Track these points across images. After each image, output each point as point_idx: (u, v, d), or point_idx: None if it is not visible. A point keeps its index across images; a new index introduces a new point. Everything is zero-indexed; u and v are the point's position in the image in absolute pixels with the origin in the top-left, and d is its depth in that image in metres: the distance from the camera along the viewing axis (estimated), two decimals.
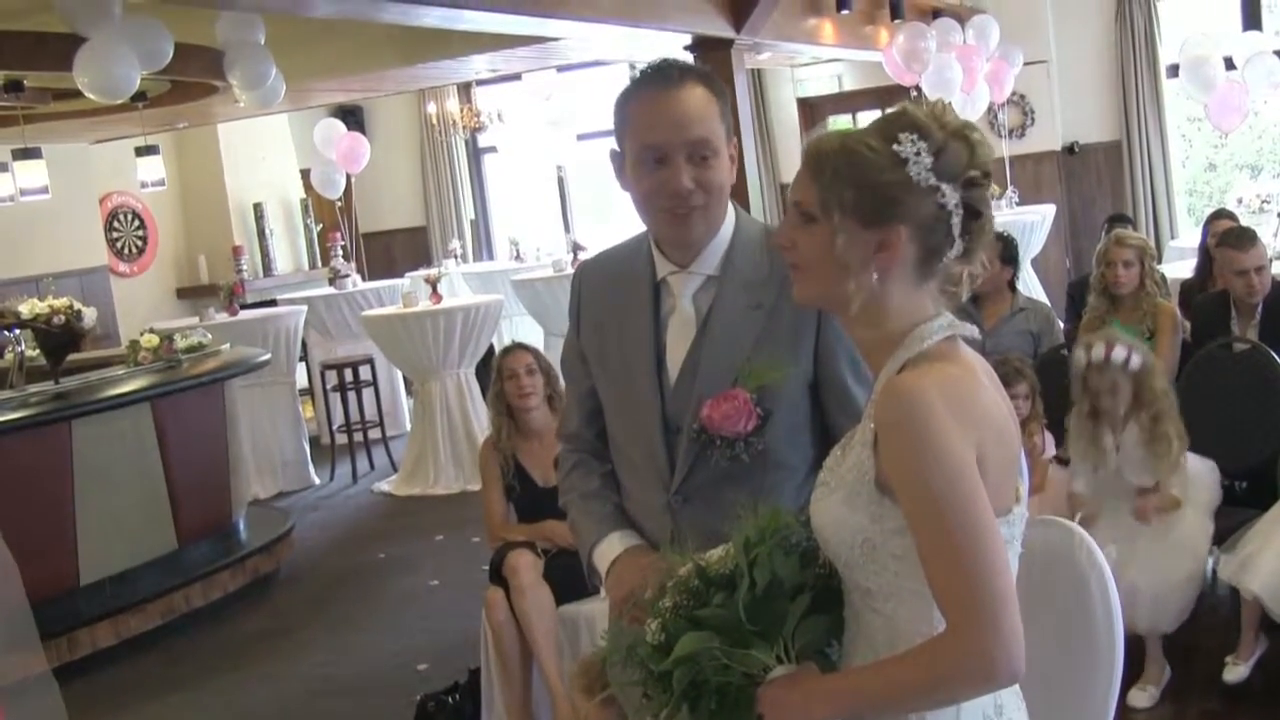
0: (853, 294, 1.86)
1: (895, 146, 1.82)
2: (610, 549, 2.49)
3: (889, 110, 1.91)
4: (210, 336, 7.48)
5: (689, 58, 7.48)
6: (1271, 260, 5.75)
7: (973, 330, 1.92)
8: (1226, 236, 5.66)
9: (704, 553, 1.97)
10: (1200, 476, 4.62)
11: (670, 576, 1.97)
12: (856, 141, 1.85)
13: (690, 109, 2.37)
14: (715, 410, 2.33)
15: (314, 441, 10.28)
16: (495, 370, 5.06)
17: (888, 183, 1.82)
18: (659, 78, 2.41)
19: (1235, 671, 4.42)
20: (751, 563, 1.87)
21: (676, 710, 1.89)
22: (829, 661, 1.93)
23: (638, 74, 2.48)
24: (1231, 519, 4.62)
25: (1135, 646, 4.25)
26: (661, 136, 2.37)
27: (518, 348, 5.12)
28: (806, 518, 1.95)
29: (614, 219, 13.16)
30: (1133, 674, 4.39)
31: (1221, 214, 7.63)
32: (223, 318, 9.58)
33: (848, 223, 1.83)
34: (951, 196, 1.84)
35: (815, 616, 1.89)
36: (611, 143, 2.50)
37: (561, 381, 4.98)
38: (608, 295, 2.57)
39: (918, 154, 1.82)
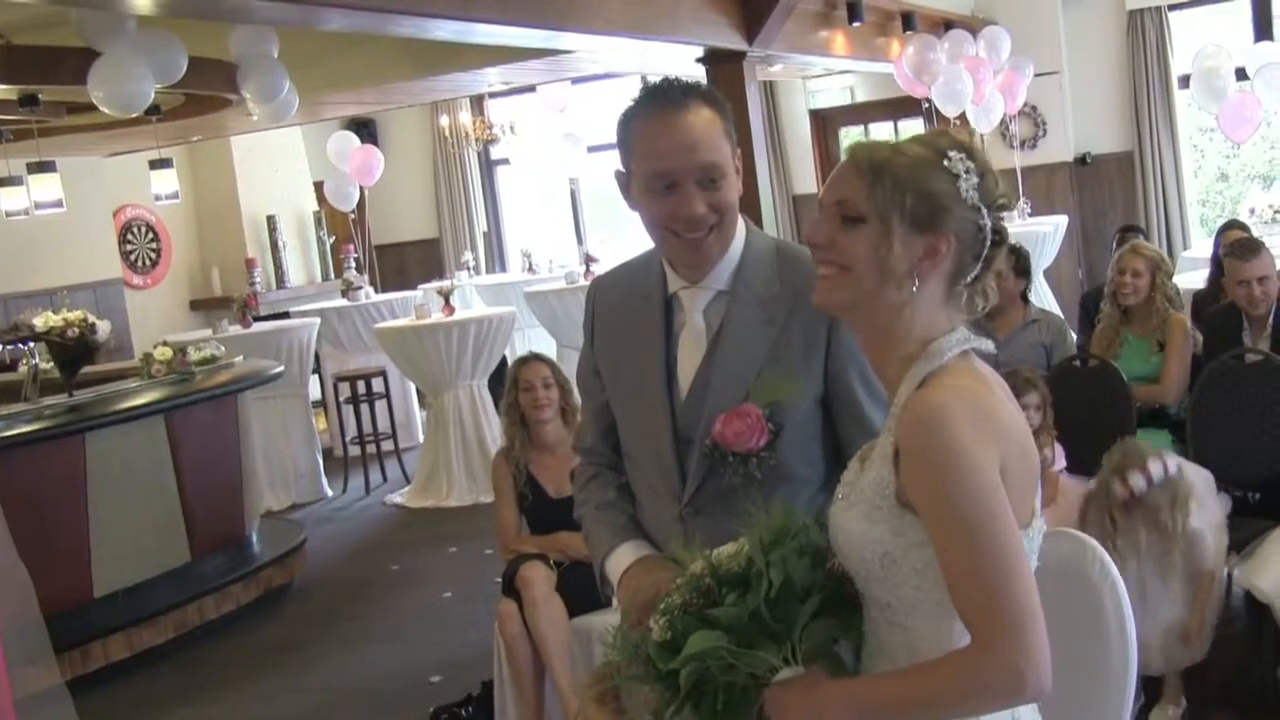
0: (889, 301, 1.88)
1: (945, 162, 1.87)
2: (623, 559, 2.50)
3: (930, 130, 1.96)
4: (223, 349, 7.49)
5: (700, 70, 7.51)
6: None
7: (988, 345, 1.94)
8: (1232, 247, 5.66)
9: (715, 550, 1.98)
10: (1205, 497, 4.56)
11: (681, 573, 1.97)
12: (912, 149, 1.90)
13: (698, 134, 2.35)
14: (728, 427, 2.34)
15: (327, 454, 10.30)
16: (510, 380, 5.04)
17: (943, 191, 1.87)
18: (663, 99, 2.38)
19: None
20: (767, 564, 1.87)
21: (681, 708, 1.90)
22: (836, 660, 1.93)
23: (639, 93, 2.46)
24: (1247, 530, 4.60)
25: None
26: (671, 164, 2.35)
27: (535, 359, 5.10)
28: (817, 520, 1.96)
29: (626, 231, 13.18)
30: (1151, 695, 4.36)
31: (1232, 224, 7.62)
32: (236, 330, 9.60)
33: (903, 227, 1.87)
34: (987, 219, 1.89)
35: (823, 618, 1.89)
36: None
37: (576, 395, 5.00)
38: (620, 310, 2.58)
39: (966, 172, 1.87)
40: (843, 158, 1.97)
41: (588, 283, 10.25)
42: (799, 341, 2.40)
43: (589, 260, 10.52)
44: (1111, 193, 11.87)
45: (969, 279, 1.92)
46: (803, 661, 1.87)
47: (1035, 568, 1.90)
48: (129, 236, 11.86)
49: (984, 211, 1.89)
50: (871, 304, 1.90)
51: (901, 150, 1.89)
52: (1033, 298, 6.32)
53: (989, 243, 1.90)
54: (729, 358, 2.41)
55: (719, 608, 1.87)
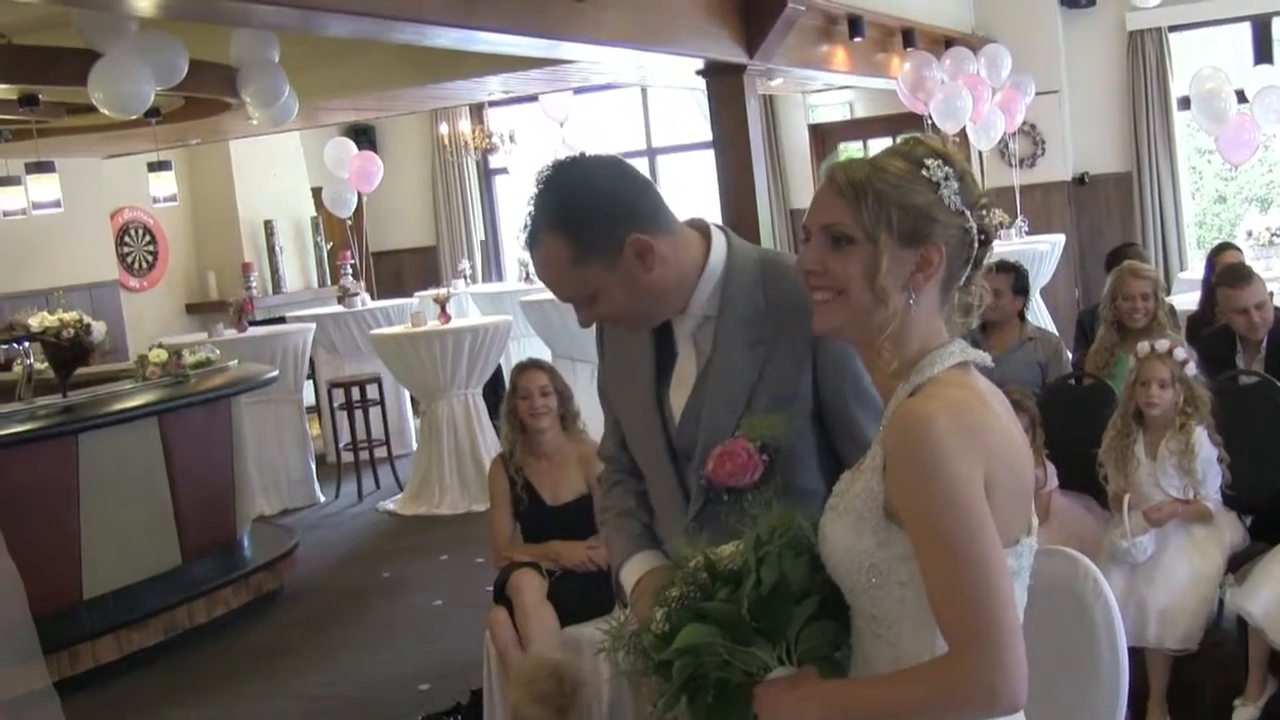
0: (888, 318, 1.88)
1: (924, 171, 1.87)
2: (636, 569, 2.52)
3: (904, 138, 1.96)
4: (218, 352, 7.48)
5: (700, 83, 7.52)
6: (1273, 294, 5.74)
7: (985, 357, 1.94)
8: (1223, 275, 5.67)
9: (716, 548, 1.99)
10: (1227, 517, 4.65)
11: (680, 568, 1.98)
12: (889, 164, 1.89)
13: (544, 274, 2.38)
14: (720, 468, 2.34)
15: (320, 459, 10.29)
16: (510, 386, 5.04)
17: (928, 203, 1.87)
18: (523, 236, 2.38)
19: (1245, 713, 4.39)
20: (759, 560, 1.88)
21: (675, 701, 1.91)
22: (835, 666, 1.93)
23: None
24: (1242, 552, 4.61)
25: (1139, 687, 4.24)
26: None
27: (533, 366, 5.06)
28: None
29: None
30: (1138, 713, 4.37)
31: (1225, 247, 7.63)
32: (231, 334, 9.58)
33: (893, 243, 1.86)
34: (972, 221, 1.89)
35: (821, 622, 1.90)
36: None
37: (574, 401, 5.00)
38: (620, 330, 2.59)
39: (946, 178, 1.87)
40: (821, 178, 1.96)
41: None
42: (788, 358, 2.38)
43: None
44: (1109, 213, 11.88)
45: (961, 282, 1.93)
46: (798, 663, 1.88)
47: (1027, 586, 1.90)
48: (126, 239, 11.84)
49: (968, 214, 1.89)
50: (869, 322, 1.90)
51: (880, 166, 1.89)
52: (1029, 316, 6.33)
53: (977, 243, 1.91)
54: (719, 383, 2.41)
55: (711, 602, 1.88)
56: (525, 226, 2.36)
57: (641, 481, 2.65)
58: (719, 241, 2.46)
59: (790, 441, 2.35)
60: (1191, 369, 4.64)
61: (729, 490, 2.34)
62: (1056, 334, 6.80)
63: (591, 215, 2.30)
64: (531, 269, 12.45)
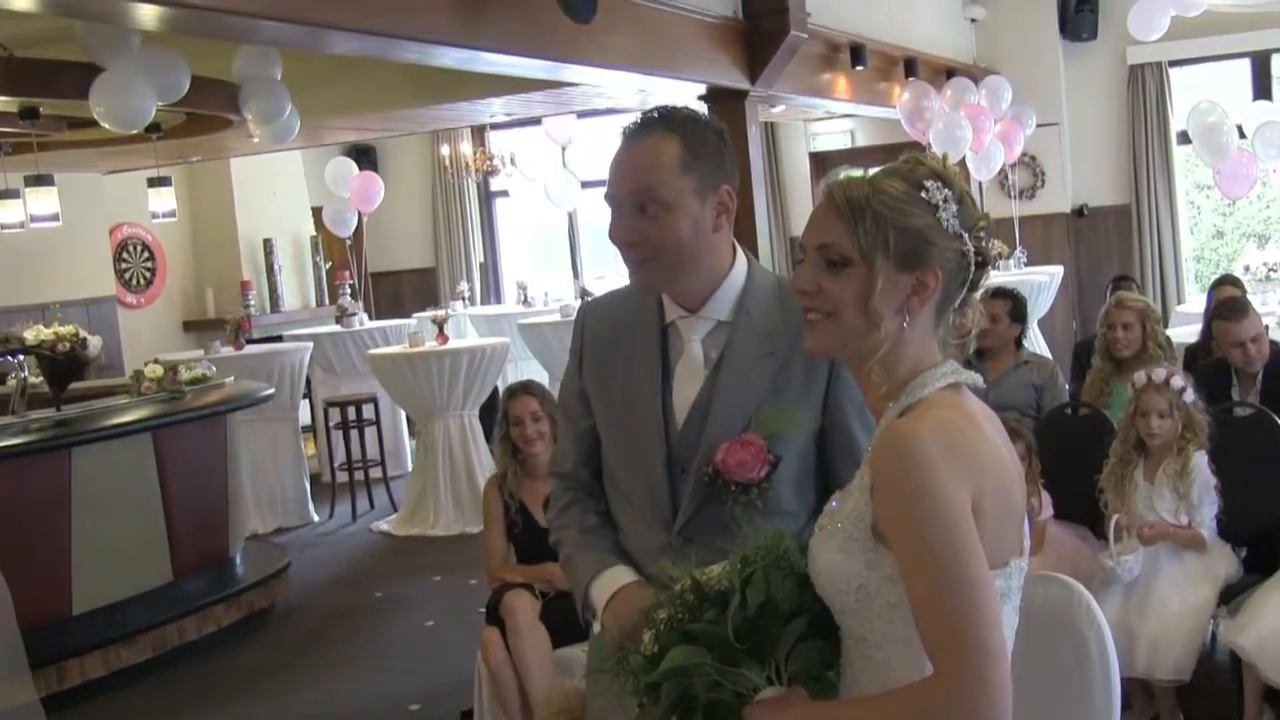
0: (880, 340, 1.87)
1: (923, 193, 1.86)
2: (610, 583, 2.47)
3: (904, 158, 1.94)
4: (215, 369, 7.47)
5: (703, 108, 7.52)
6: (1269, 328, 5.76)
7: (976, 378, 1.93)
8: (1220, 309, 5.70)
9: (704, 567, 1.97)
10: (1221, 548, 4.64)
11: (667, 589, 1.97)
12: (888, 185, 1.87)
13: (638, 160, 2.38)
14: (731, 457, 2.33)
15: (315, 479, 10.26)
16: (501, 412, 5.03)
17: (925, 226, 1.86)
18: (629, 130, 2.43)
19: None
20: (745, 581, 1.86)
21: None
22: (826, 685, 1.92)
23: None
24: (1236, 584, 4.59)
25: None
26: (611, 188, 2.43)
27: (523, 392, 5.05)
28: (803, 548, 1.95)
29: (623, 266, 13.18)
30: None
31: (1226, 280, 7.64)
32: (228, 352, 9.57)
33: (889, 266, 1.85)
34: (970, 244, 1.88)
35: (811, 641, 1.89)
36: None
37: None
38: (613, 336, 2.58)
39: (945, 200, 1.86)
40: (819, 196, 1.95)
41: None
42: (800, 375, 2.40)
43: (584, 294, 10.53)
44: (1108, 245, 11.92)
45: (956, 305, 1.92)
46: (788, 682, 1.87)
47: (1017, 609, 1.89)
48: (124, 255, 11.84)
49: (966, 238, 1.88)
50: (862, 344, 1.89)
51: (879, 187, 1.87)
52: (1026, 344, 6.34)
53: (974, 266, 1.90)
54: (730, 388, 2.41)
55: (699, 623, 1.87)
56: (639, 121, 2.41)
57: (599, 501, 2.61)
58: (743, 257, 2.53)
59: (796, 436, 2.36)
60: (1189, 395, 4.65)
61: (734, 484, 2.34)
62: (1052, 359, 6.82)
63: (711, 148, 2.43)
64: (529, 291, 12.55)
